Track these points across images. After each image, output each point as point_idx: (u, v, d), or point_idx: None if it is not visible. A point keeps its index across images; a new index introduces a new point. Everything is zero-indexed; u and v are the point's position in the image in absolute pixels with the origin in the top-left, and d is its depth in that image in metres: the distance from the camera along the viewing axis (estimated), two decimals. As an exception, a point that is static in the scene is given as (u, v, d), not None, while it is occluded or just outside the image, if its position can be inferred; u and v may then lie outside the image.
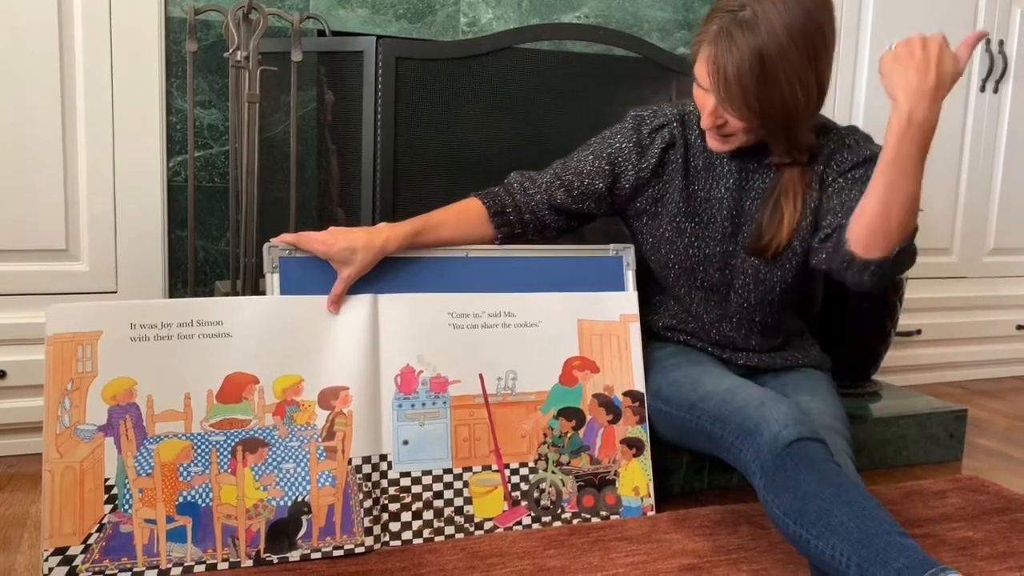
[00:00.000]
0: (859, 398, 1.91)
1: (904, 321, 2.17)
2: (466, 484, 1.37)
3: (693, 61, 1.37)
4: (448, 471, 1.37)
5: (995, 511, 1.53)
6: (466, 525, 1.35)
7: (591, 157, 1.50)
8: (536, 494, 1.41)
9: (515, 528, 1.38)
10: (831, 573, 1.11)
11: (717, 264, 1.48)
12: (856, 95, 2.28)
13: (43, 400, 1.20)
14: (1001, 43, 2.42)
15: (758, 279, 1.48)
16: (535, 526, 1.39)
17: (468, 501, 1.36)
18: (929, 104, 1.17)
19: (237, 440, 1.27)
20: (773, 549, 1.34)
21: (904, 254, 1.28)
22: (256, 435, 1.28)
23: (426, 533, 1.33)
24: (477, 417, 1.40)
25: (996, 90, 2.45)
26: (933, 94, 1.17)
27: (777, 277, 1.48)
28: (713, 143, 1.42)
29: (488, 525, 1.36)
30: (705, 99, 1.35)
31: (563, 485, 1.42)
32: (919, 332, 2.41)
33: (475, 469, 1.38)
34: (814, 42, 1.28)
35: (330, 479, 1.29)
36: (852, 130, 1.48)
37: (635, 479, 1.46)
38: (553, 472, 1.42)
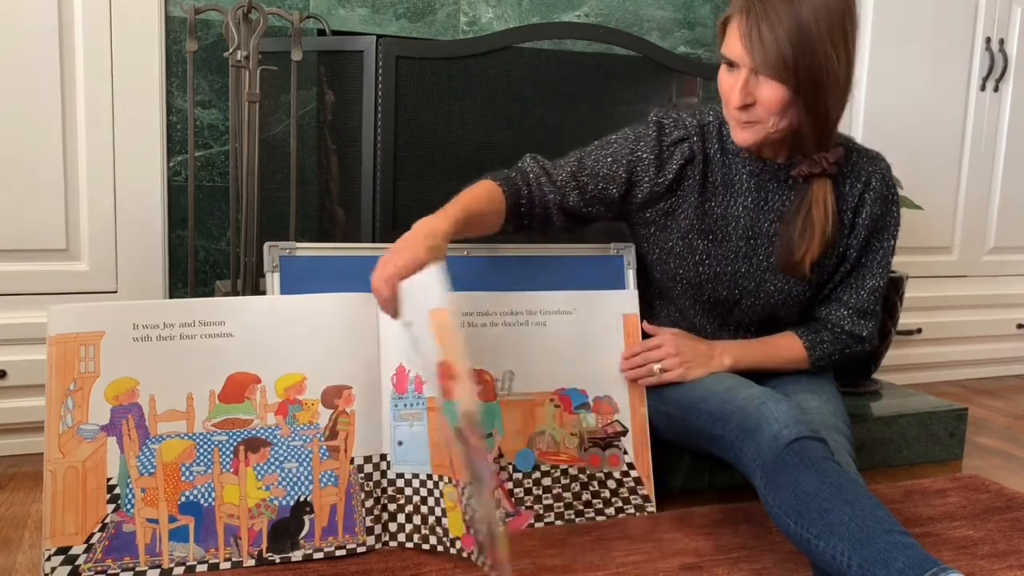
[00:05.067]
0: (860, 397, 1.91)
1: (904, 320, 2.17)
2: (442, 495, 1.30)
3: (720, 40, 1.34)
4: (429, 477, 1.31)
5: (995, 510, 1.53)
6: (444, 539, 1.28)
7: (610, 160, 1.45)
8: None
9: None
10: (832, 573, 1.11)
11: (727, 283, 1.47)
12: (856, 94, 2.27)
13: (44, 400, 1.20)
14: (1001, 42, 2.42)
15: (768, 303, 1.48)
16: (538, 525, 1.39)
17: (444, 513, 1.30)
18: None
19: (239, 440, 1.27)
20: (774, 548, 1.34)
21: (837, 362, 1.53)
22: (258, 435, 1.28)
23: (415, 539, 1.30)
24: None
25: (996, 89, 2.45)
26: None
27: (787, 303, 1.48)
28: (738, 134, 1.36)
29: (460, 544, 1.27)
30: (735, 78, 1.31)
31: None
32: (919, 331, 2.41)
33: (447, 479, 1.28)
34: (843, 11, 1.27)
35: (333, 478, 1.29)
36: (877, 158, 1.47)
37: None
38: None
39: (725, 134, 1.45)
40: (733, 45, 1.30)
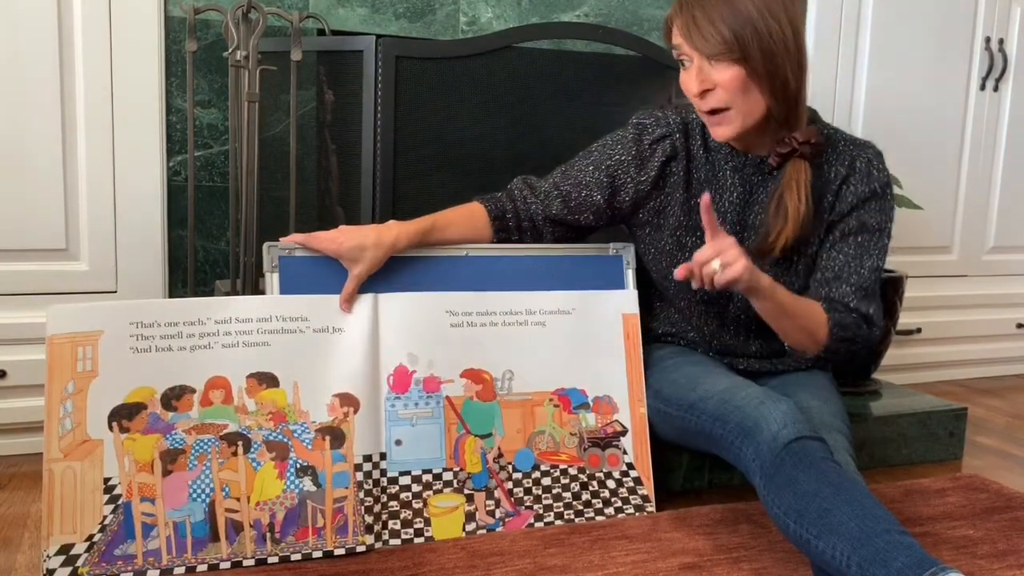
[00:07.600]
0: (859, 397, 1.91)
1: (904, 320, 2.17)
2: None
3: (668, 44, 1.38)
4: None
5: (995, 509, 1.53)
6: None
7: (591, 167, 1.48)
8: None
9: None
10: (832, 572, 1.11)
11: None
12: (856, 94, 2.28)
13: (44, 400, 1.20)
14: (1001, 42, 2.42)
15: None
16: (538, 524, 1.39)
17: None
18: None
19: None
20: (773, 548, 1.34)
21: (840, 356, 1.43)
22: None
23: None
24: None
25: (996, 89, 2.45)
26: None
27: None
28: (714, 130, 1.38)
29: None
30: (689, 75, 1.35)
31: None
32: (919, 331, 2.41)
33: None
34: None
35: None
36: (867, 145, 1.47)
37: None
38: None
39: (708, 131, 1.45)
40: (677, 41, 1.35)
